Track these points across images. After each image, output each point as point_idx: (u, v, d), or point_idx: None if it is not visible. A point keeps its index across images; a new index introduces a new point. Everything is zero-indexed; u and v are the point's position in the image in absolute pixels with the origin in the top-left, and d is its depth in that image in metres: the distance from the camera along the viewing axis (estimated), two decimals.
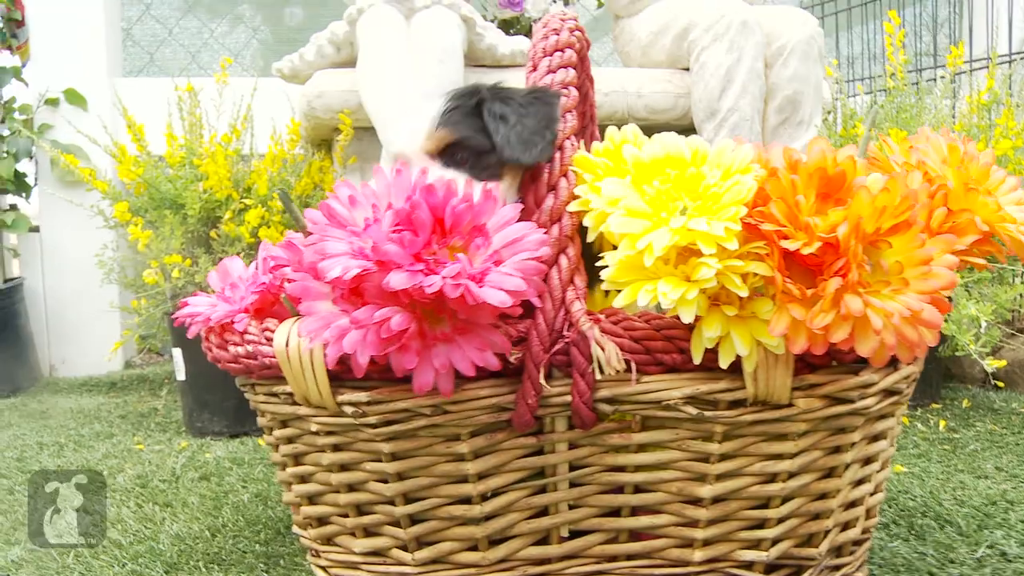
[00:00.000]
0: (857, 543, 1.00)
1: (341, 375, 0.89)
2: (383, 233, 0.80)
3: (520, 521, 0.93)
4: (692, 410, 0.85)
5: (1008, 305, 1.75)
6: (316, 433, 0.94)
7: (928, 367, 1.55)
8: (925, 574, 1.08)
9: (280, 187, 1.09)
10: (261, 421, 1.03)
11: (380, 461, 0.92)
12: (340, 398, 0.89)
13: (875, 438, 0.95)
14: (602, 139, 1.22)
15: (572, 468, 0.91)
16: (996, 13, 2.43)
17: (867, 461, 0.96)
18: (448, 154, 0.96)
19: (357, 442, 0.93)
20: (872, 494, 0.98)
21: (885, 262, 0.78)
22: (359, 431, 0.91)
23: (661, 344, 0.85)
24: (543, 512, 0.93)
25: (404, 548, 0.95)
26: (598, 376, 0.84)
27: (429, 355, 0.83)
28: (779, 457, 0.89)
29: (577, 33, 0.99)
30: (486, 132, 0.94)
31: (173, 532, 1.28)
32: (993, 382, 1.85)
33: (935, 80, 2.23)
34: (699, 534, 0.91)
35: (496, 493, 0.92)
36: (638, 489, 0.91)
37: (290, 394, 0.94)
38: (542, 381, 0.84)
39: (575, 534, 0.94)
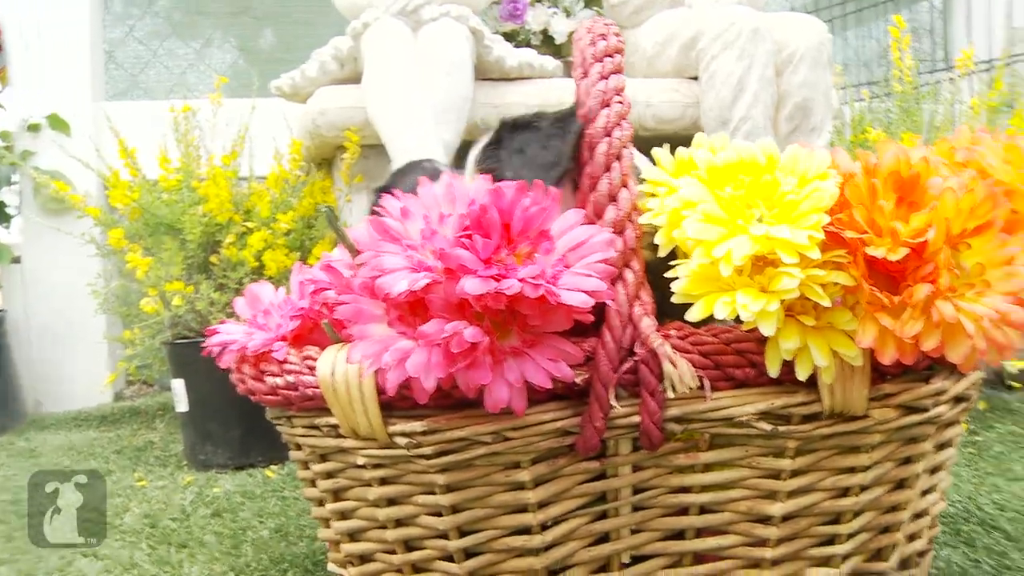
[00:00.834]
0: (921, 554, 0.97)
1: (391, 404, 0.85)
2: (450, 239, 0.77)
3: (580, 549, 0.89)
4: (766, 426, 0.82)
5: None
6: (363, 467, 0.90)
7: None
8: None
9: (325, 205, 1.05)
10: (296, 455, 0.98)
11: (433, 494, 0.87)
12: (392, 428, 0.85)
13: (943, 446, 0.92)
14: None
15: (635, 491, 0.87)
16: (991, 15, 2.44)
17: (935, 470, 0.93)
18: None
19: (408, 474, 0.88)
20: (936, 503, 0.96)
21: (966, 264, 0.75)
22: (411, 463, 0.87)
23: (732, 359, 0.81)
24: (604, 538, 0.89)
25: None
26: (669, 395, 0.80)
27: (501, 370, 0.79)
28: (852, 471, 0.85)
29: (620, 38, 0.96)
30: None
31: (194, 574, 1.22)
32: (1007, 383, 1.84)
33: (932, 84, 2.23)
34: (768, 553, 0.88)
35: (556, 521, 0.88)
36: (704, 510, 0.87)
37: (334, 426, 0.89)
38: (612, 402, 0.80)
39: (637, 559, 0.90)
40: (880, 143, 0.79)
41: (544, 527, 0.87)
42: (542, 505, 0.86)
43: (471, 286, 0.73)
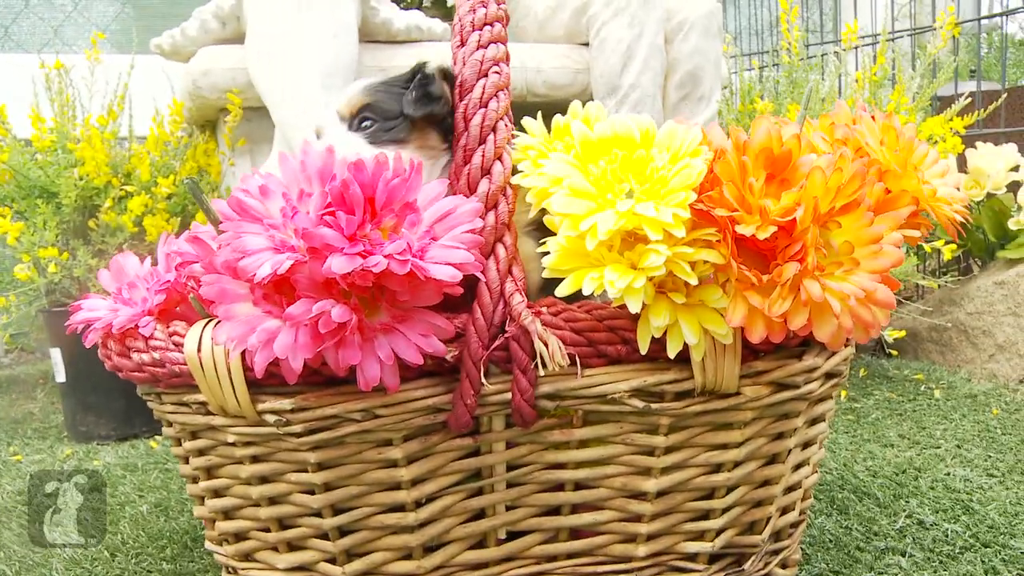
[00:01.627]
0: (794, 525, 0.99)
1: (260, 381, 0.82)
2: (312, 218, 0.74)
3: (456, 526, 0.88)
4: (639, 403, 0.82)
5: (901, 276, 1.79)
6: (233, 444, 0.87)
7: None
8: (853, 549, 1.09)
9: (189, 178, 1.00)
10: (168, 431, 0.95)
11: (305, 471, 0.85)
12: (261, 407, 0.82)
13: (815, 421, 0.94)
14: (514, 119, 1.18)
15: (510, 468, 0.87)
16: None
17: (807, 444, 0.95)
18: (356, 118, 0.96)
19: (279, 452, 0.86)
20: (809, 476, 0.98)
21: (835, 242, 0.76)
22: (282, 441, 0.84)
23: (604, 335, 0.81)
24: (479, 515, 0.89)
25: (333, 561, 0.89)
26: (540, 372, 0.79)
27: (372, 347, 0.76)
28: (725, 447, 0.86)
29: (503, 6, 0.93)
30: (398, 108, 0.94)
31: (67, 555, 1.17)
32: (887, 350, 1.90)
33: (823, 56, 2.26)
34: (643, 528, 0.88)
35: (430, 498, 0.87)
36: (579, 486, 0.88)
37: (203, 403, 0.86)
38: (482, 380, 0.79)
39: (513, 535, 0.90)
40: (756, 119, 0.79)
41: (419, 504, 0.86)
42: (416, 482, 0.85)
43: (337, 265, 0.71)
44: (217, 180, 1.82)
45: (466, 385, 0.80)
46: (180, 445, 0.94)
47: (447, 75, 0.95)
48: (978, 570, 1.01)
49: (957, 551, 1.06)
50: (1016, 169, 1.84)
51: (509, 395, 0.81)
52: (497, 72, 0.84)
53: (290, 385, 0.81)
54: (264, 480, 0.88)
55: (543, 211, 0.82)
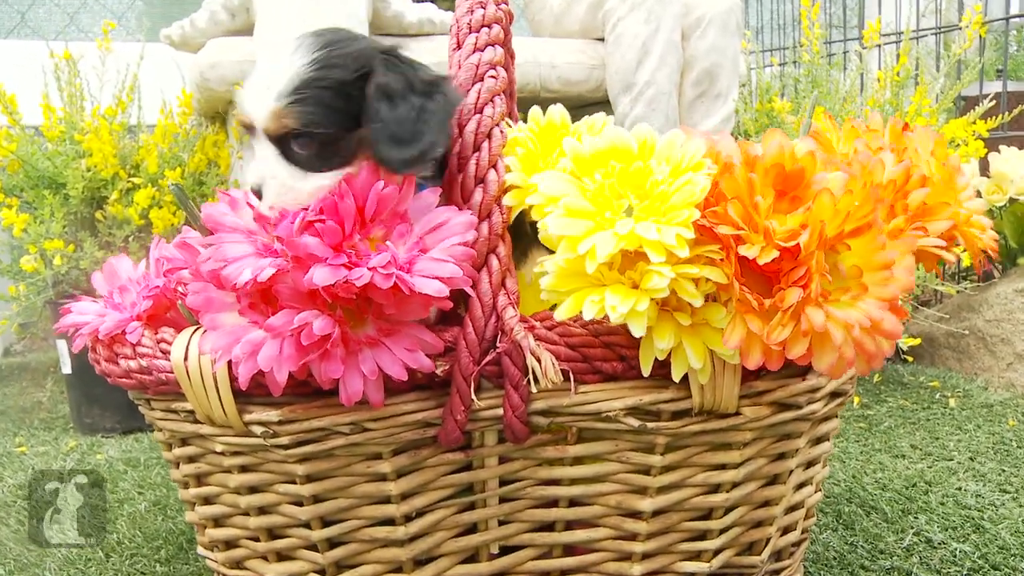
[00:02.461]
0: (796, 544, 0.96)
1: (248, 391, 0.80)
2: (295, 226, 0.72)
3: (447, 540, 0.86)
4: (634, 422, 0.79)
5: (918, 280, 1.75)
6: (221, 453, 0.86)
7: None
8: (857, 568, 1.06)
9: (174, 183, 0.98)
10: (158, 436, 0.94)
11: (294, 483, 0.84)
12: (248, 417, 0.81)
13: (818, 440, 0.91)
14: (517, 119, 1.16)
15: (502, 483, 0.85)
16: None
17: (810, 464, 0.92)
18: (288, 140, 0.77)
19: (267, 463, 0.84)
20: (812, 495, 0.95)
21: (843, 266, 0.73)
22: (269, 451, 0.83)
23: (600, 352, 0.78)
24: (472, 529, 0.87)
25: (322, 573, 0.87)
26: (533, 389, 0.77)
27: (356, 361, 0.75)
28: (723, 467, 0.84)
29: (504, 6, 0.91)
30: (349, 112, 0.76)
31: (62, 555, 1.17)
32: (903, 356, 1.86)
33: (844, 54, 2.22)
34: (638, 547, 0.86)
35: (421, 512, 0.85)
36: (573, 503, 0.85)
37: (191, 411, 0.85)
38: (472, 396, 0.77)
39: (506, 550, 0.88)
40: (767, 132, 0.76)
41: (408, 518, 0.84)
42: (405, 496, 0.83)
43: (319, 276, 0.69)
44: (226, 172, 1.81)
45: (456, 401, 0.78)
46: (170, 450, 0.93)
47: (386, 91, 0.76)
48: None
49: (965, 572, 1.03)
50: None
51: (501, 411, 0.79)
52: (493, 76, 0.82)
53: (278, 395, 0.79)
54: (253, 490, 0.87)
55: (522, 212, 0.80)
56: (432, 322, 0.81)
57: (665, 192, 0.71)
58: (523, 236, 0.87)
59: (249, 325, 0.75)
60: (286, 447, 0.81)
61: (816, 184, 0.73)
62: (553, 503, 0.85)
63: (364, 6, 1.68)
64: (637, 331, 0.70)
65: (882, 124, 0.91)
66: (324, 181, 0.76)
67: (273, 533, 0.88)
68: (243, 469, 0.86)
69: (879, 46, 2.00)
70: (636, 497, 0.84)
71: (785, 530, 0.93)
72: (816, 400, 0.84)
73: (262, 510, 0.87)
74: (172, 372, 0.82)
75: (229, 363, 0.77)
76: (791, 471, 0.87)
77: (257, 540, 0.89)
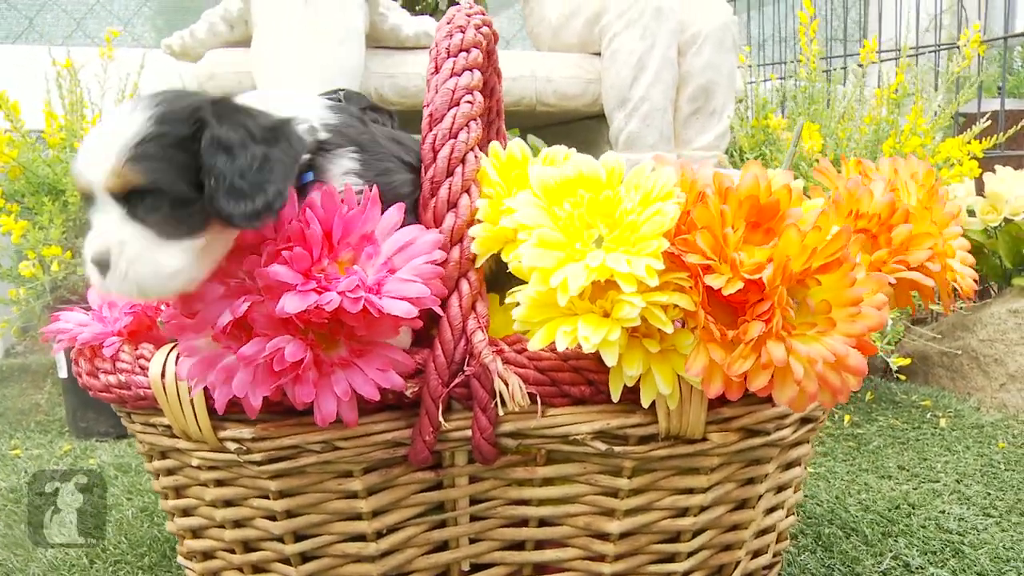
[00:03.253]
0: (768, 567, 0.97)
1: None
2: (264, 257, 0.73)
3: (418, 557, 0.87)
4: (601, 445, 0.80)
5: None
6: (198, 468, 0.87)
7: None
8: None
9: None
10: (139, 448, 0.95)
11: (267, 498, 0.85)
12: (222, 434, 0.82)
13: (789, 466, 0.92)
14: (505, 136, 1.17)
15: (473, 502, 0.86)
16: (902, 3, 2.43)
17: (780, 489, 0.93)
18: (135, 200, 0.71)
19: (242, 478, 0.86)
20: (783, 519, 0.96)
21: (812, 301, 0.73)
22: (244, 467, 0.84)
23: (569, 376, 0.79)
24: (443, 547, 0.88)
25: None
26: (500, 412, 0.78)
27: (328, 383, 0.76)
28: (691, 491, 0.85)
29: (484, 29, 0.92)
30: (196, 171, 0.71)
31: (47, 560, 1.18)
32: (895, 374, 1.86)
33: (844, 69, 2.22)
34: (607, 569, 0.87)
35: (392, 529, 0.86)
36: (543, 523, 0.86)
37: (168, 426, 0.86)
38: (440, 418, 0.78)
39: (477, 568, 0.89)
40: (747, 163, 0.77)
41: (380, 535, 0.85)
42: (376, 513, 0.84)
43: (290, 304, 0.70)
44: None
45: (425, 422, 0.79)
46: (151, 462, 0.94)
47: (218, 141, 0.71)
48: None
49: None
50: None
51: (470, 432, 0.80)
52: (469, 102, 0.83)
53: None
54: (228, 504, 0.88)
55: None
56: (407, 345, 0.82)
57: (635, 222, 0.72)
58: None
59: (224, 350, 0.76)
60: (259, 463, 0.82)
61: (790, 219, 0.74)
62: (523, 522, 0.86)
63: (361, 19, 1.69)
64: (610, 360, 0.71)
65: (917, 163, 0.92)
66: (182, 251, 0.72)
67: (248, 546, 0.90)
68: (219, 483, 0.87)
69: (878, 63, 2.00)
70: (604, 519, 0.85)
71: (756, 553, 0.94)
72: (785, 427, 0.84)
73: (237, 523, 0.89)
74: (150, 388, 0.83)
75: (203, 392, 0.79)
76: (760, 496, 0.88)
77: (233, 552, 0.91)
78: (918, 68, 2.00)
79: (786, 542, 0.98)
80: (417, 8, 2.21)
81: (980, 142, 1.77)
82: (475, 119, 0.83)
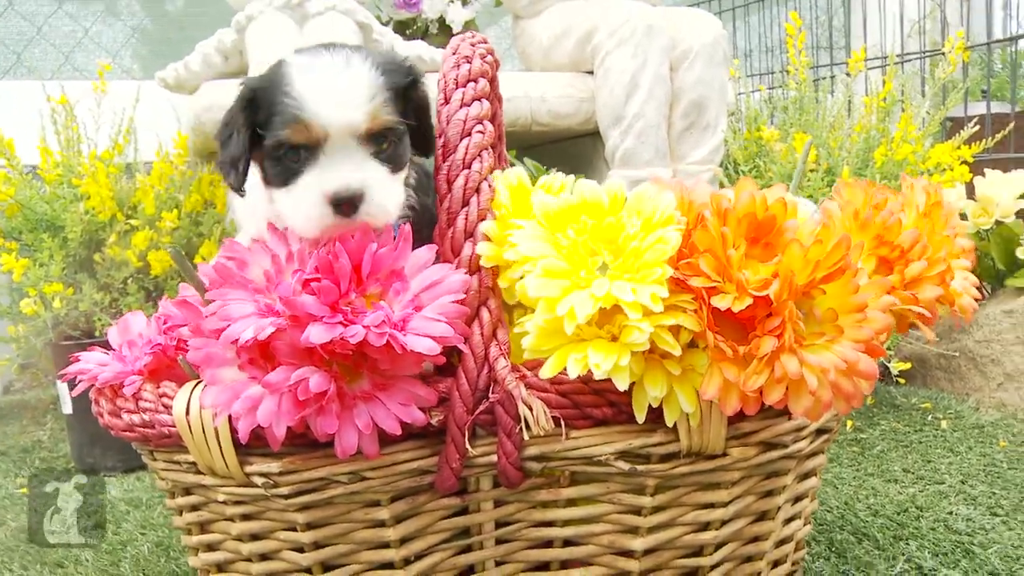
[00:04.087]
0: None
1: (248, 442, 0.82)
2: (294, 285, 0.74)
3: None
4: (624, 465, 0.82)
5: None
6: (224, 503, 0.88)
7: None
8: None
9: (171, 246, 1.01)
10: (161, 485, 0.96)
11: (295, 530, 0.86)
12: (249, 468, 0.83)
13: (806, 476, 0.93)
14: (507, 160, 1.18)
15: (498, 525, 0.87)
16: (885, 11, 2.47)
17: (798, 499, 0.94)
18: (378, 140, 0.84)
19: (269, 511, 0.86)
20: (800, 528, 0.97)
21: (818, 310, 0.75)
22: (271, 500, 0.85)
23: (590, 398, 0.81)
24: (470, 570, 0.89)
25: None
26: (525, 436, 0.79)
27: (351, 416, 0.77)
28: (712, 506, 0.86)
29: (489, 58, 0.93)
30: (405, 114, 0.88)
31: None
32: (895, 378, 1.88)
33: (831, 77, 2.25)
34: None
35: (420, 556, 0.87)
36: (567, 543, 0.88)
37: (193, 463, 0.87)
38: (467, 445, 0.79)
39: None
40: (740, 181, 0.79)
41: (408, 561, 0.86)
42: (404, 540, 0.85)
43: (316, 334, 0.71)
44: (222, 212, 1.83)
45: (451, 449, 0.80)
46: (173, 499, 0.94)
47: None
48: None
49: None
50: None
51: (495, 457, 0.81)
52: (480, 132, 0.84)
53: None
54: (255, 537, 0.89)
55: None
56: (430, 372, 0.84)
57: (638, 248, 0.73)
58: None
59: (248, 380, 0.77)
60: (286, 496, 0.83)
61: (788, 231, 0.75)
62: (548, 543, 0.87)
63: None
64: (621, 385, 0.73)
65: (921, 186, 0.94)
66: (401, 184, 0.86)
67: None
68: (245, 517, 0.88)
69: (865, 71, 2.03)
70: (628, 536, 0.86)
71: (775, 564, 0.95)
72: (802, 438, 0.86)
73: (264, 556, 0.89)
74: (174, 426, 0.84)
75: (229, 417, 0.79)
76: (779, 507, 0.90)
77: None
78: (904, 75, 2.02)
79: (803, 551, 1.00)
80: (408, 32, 2.22)
81: (969, 147, 1.79)
82: (487, 148, 0.85)
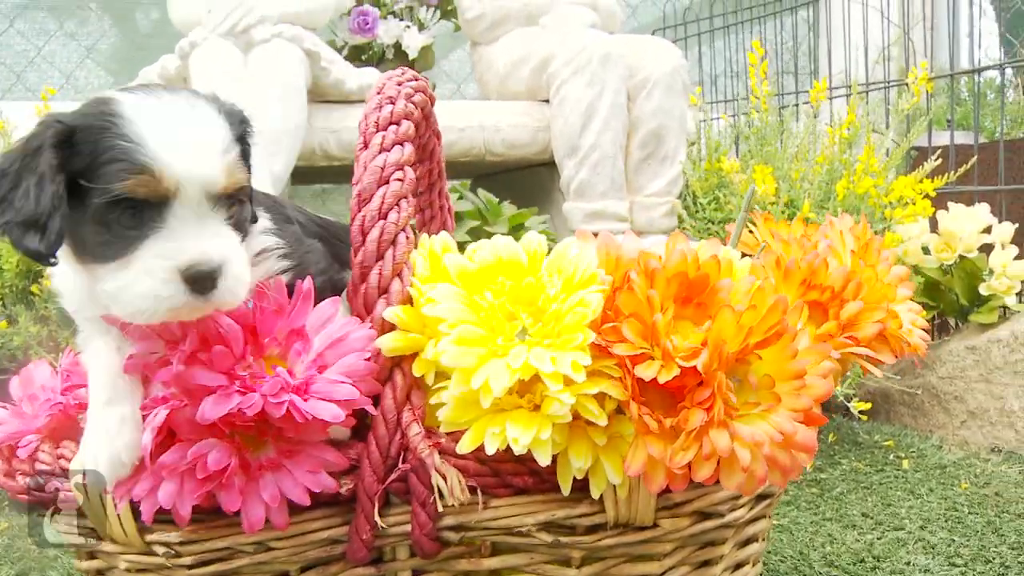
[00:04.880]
0: None
1: None
2: (178, 361, 0.69)
3: None
4: (547, 537, 0.77)
5: None
6: (127, 571, 0.82)
7: None
8: None
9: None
10: (68, 546, 0.90)
11: None
12: (149, 537, 0.78)
13: (746, 542, 0.89)
14: (447, 196, 1.14)
15: None
16: (850, 38, 2.45)
17: (738, 566, 0.89)
18: (230, 202, 0.70)
19: None
20: None
21: (754, 377, 0.71)
22: (174, 570, 0.79)
23: (511, 466, 0.76)
24: None
25: None
26: (440, 507, 0.74)
27: (256, 488, 0.72)
28: None
29: (418, 96, 0.88)
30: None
31: None
32: (857, 414, 1.84)
33: (797, 106, 2.22)
34: None
35: None
36: None
37: (93, 528, 0.81)
38: (376, 517, 0.74)
39: None
40: (672, 235, 0.74)
41: None
42: None
43: (211, 410, 0.66)
44: None
45: (361, 520, 0.75)
46: (80, 561, 0.89)
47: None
48: None
49: None
50: (988, 231, 1.79)
51: (409, 527, 0.76)
52: (399, 179, 0.79)
53: None
54: None
55: None
56: (345, 436, 0.78)
57: (558, 311, 0.69)
58: None
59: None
60: (189, 567, 0.78)
61: (721, 291, 0.71)
62: None
63: (302, 75, 1.66)
64: (543, 459, 0.68)
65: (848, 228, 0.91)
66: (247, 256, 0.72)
67: None
68: None
69: (828, 100, 2.00)
70: None
71: None
72: (739, 507, 0.81)
73: None
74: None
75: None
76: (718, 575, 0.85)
77: None
78: (868, 104, 1.99)
79: None
80: (363, 58, 2.18)
81: (932, 180, 1.76)
82: (406, 197, 0.80)
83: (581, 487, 0.75)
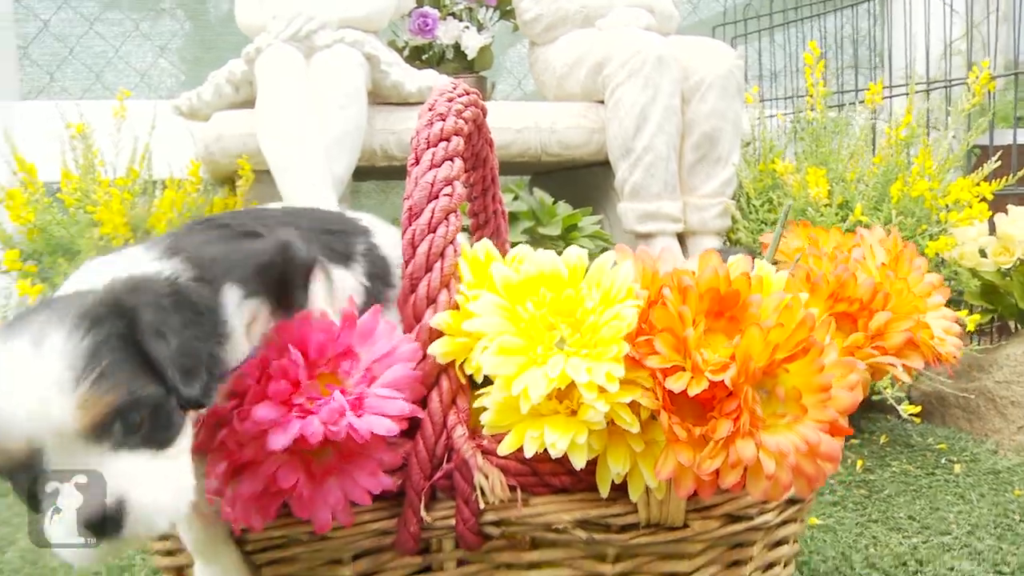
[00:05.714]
0: None
1: None
2: (250, 397, 0.75)
3: None
4: (582, 534, 0.81)
5: None
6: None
7: None
8: None
9: None
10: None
11: None
12: None
13: (777, 544, 0.92)
14: (501, 200, 1.18)
15: None
16: (912, 34, 2.42)
17: (768, 567, 0.92)
18: (114, 424, 0.60)
19: None
20: None
21: (781, 389, 0.74)
22: None
23: (549, 466, 0.80)
24: None
25: None
26: (482, 504, 0.79)
27: (322, 494, 0.78)
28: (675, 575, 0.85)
29: (469, 111, 0.93)
30: (149, 366, 0.63)
31: None
32: (904, 416, 1.84)
33: (855, 104, 2.21)
34: None
35: None
36: None
37: None
38: (423, 512, 0.79)
39: None
40: (704, 253, 0.78)
41: None
42: None
43: (278, 442, 0.72)
44: None
45: (409, 514, 0.80)
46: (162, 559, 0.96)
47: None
48: None
49: None
50: None
51: (454, 521, 0.81)
52: (448, 194, 0.84)
53: None
54: None
55: None
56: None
57: (595, 323, 0.73)
58: None
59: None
60: (250, 553, 0.84)
61: (752, 306, 0.74)
62: None
63: (363, 78, 1.71)
64: (578, 463, 0.72)
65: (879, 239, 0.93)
66: (185, 457, 0.64)
67: None
68: None
69: (889, 98, 1.99)
70: None
71: None
72: (768, 511, 0.84)
73: None
74: None
75: None
76: None
77: None
78: (930, 102, 1.98)
79: None
80: (423, 58, 2.23)
81: (990, 183, 1.75)
82: (454, 212, 0.84)
83: (617, 487, 0.79)
